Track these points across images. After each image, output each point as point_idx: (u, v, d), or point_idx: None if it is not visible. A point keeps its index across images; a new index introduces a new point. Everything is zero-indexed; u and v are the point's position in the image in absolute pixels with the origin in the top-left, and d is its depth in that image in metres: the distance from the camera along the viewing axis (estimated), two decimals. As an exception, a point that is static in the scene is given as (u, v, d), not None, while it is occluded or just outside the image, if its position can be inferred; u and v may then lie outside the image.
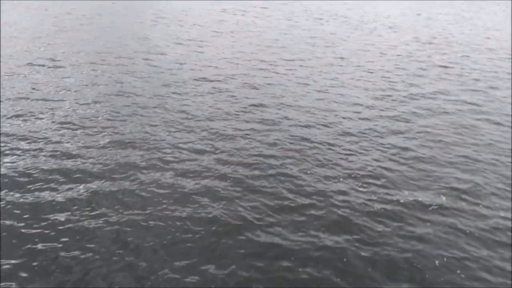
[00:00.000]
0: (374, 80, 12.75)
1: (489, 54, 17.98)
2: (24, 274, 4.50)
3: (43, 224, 5.30)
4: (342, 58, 15.39)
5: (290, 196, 6.28)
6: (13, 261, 4.67)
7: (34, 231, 5.17)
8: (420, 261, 5.10)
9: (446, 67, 15.12)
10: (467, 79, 13.71)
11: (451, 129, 9.33)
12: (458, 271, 4.98)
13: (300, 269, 4.85)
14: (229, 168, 6.96)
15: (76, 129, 8.02)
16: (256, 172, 6.88)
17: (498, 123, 9.90)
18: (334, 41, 18.40)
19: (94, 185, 6.22)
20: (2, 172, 6.36)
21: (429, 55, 16.90)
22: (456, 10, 34.50)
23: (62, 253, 4.82)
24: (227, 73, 12.52)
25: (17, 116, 8.44)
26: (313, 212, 5.92)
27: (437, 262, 5.11)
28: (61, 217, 5.46)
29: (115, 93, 10.09)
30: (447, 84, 12.93)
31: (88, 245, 5.00)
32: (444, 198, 6.49)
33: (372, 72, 13.67)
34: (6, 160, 6.74)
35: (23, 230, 5.16)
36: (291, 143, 8.04)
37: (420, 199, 6.42)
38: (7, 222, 5.28)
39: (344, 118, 9.52)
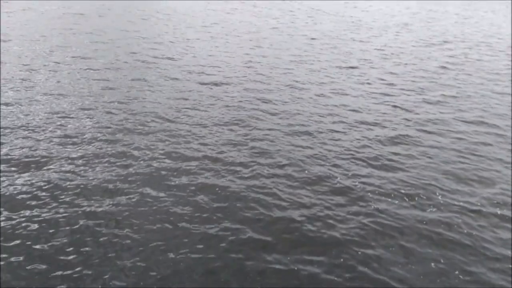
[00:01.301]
0: (375, 82, 12.61)
1: (491, 52, 17.85)
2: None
3: (40, 240, 5.18)
4: (342, 57, 15.24)
5: (290, 211, 6.12)
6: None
7: (33, 247, 5.05)
8: (420, 281, 4.98)
9: (447, 66, 14.98)
10: (469, 79, 13.58)
11: (453, 134, 9.20)
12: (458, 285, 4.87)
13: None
14: (225, 179, 6.77)
15: (73, 137, 7.87)
16: (253, 182, 6.71)
17: (500, 128, 9.78)
18: (334, 41, 18.25)
19: (92, 198, 6.09)
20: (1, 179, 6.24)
21: (430, 53, 16.77)
22: (456, 10, 34.35)
23: (59, 271, 4.71)
24: (226, 74, 12.37)
25: (15, 118, 8.30)
26: (313, 229, 5.76)
27: (439, 280, 4.99)
28: (58, 231, 5.33)
29: (114, 98, 9.95)
30: (448, 83, 12.80)
31: (85, 264, 4.87)
32: (444, 211, 6.37)
33: (372, 73, 13.52)
34: (3, 163, 6.61)
35: (21, 245, 5.05)
36: (290, 151, 7.87)
37: (420, 213, 6.29)
38: (4, 235, 5.16)
39: (343, 122, 9.38)
